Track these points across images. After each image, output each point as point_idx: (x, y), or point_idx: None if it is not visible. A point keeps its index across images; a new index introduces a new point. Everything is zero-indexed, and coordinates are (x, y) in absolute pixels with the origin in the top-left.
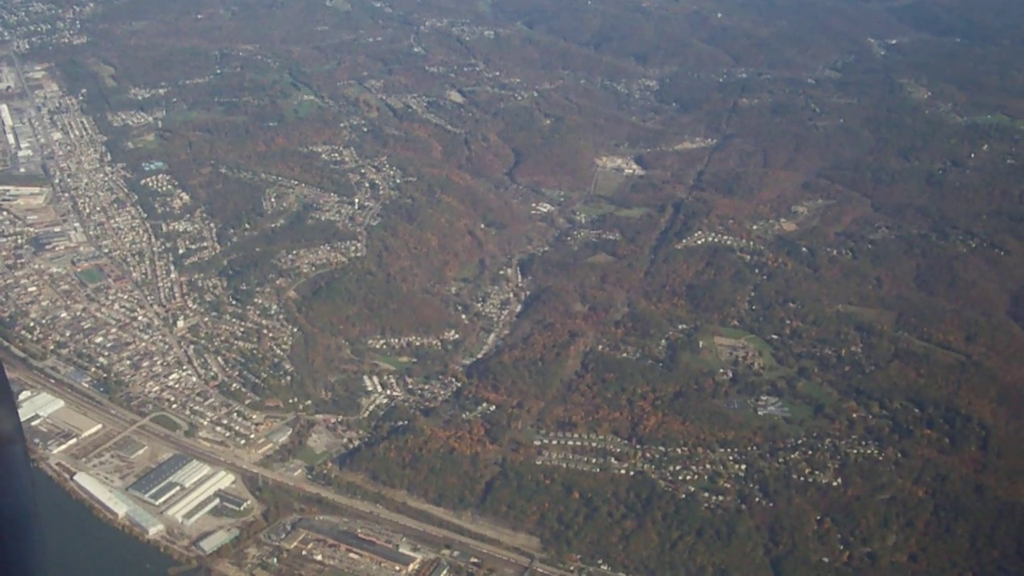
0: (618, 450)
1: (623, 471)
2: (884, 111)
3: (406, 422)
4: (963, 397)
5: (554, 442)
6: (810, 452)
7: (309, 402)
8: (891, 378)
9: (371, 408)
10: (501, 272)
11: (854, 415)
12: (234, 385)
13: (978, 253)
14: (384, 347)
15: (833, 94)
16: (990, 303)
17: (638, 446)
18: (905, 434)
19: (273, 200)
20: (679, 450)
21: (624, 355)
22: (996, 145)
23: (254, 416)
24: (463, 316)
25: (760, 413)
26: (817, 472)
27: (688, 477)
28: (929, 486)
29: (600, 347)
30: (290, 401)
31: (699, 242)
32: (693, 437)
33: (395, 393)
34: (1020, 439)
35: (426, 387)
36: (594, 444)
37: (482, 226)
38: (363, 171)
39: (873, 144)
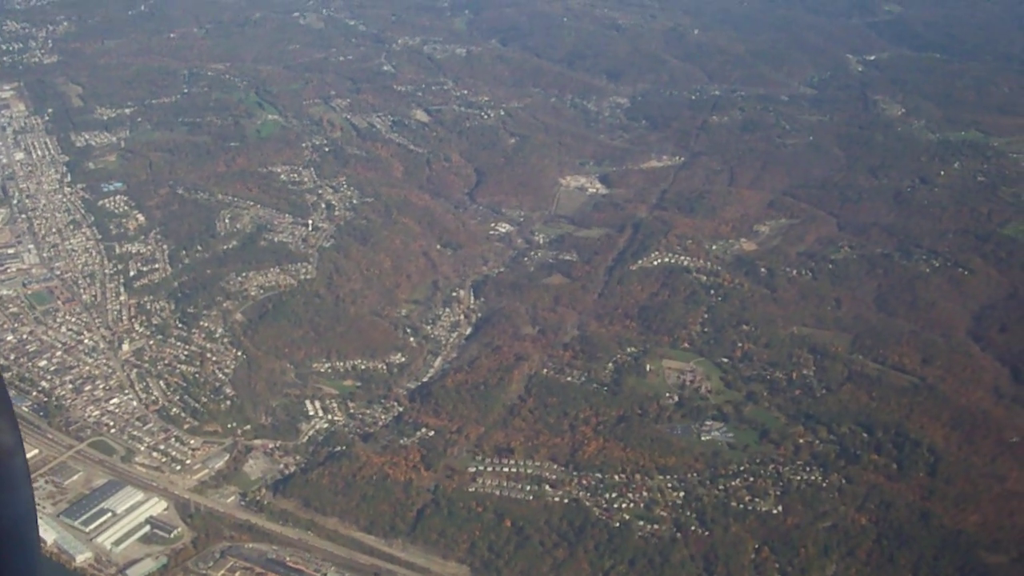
0: (554, 477)
1: (557, 499)
2: (856, 128)
3: (344, 447)
4: (915, 421)
5: (489, 469)
6: (752, 479)
7: (248, 427)
8: (842, 402)
9: (310, 433)
10: (454, 294)
11: (800, 440)
12: (174, 410)
13: (941, 273)
14: (329, 371)
15: (805, 111)
16: (951, 324)
17: (575, 473)
18: (852, 459)
19: (227, 221)
20: (617, 477)
21: (569, 379)
22: (967, 162)
23: (192, 441)
24: (411, 339)
25: (704, 438)
26: (757, 499)
27: (624, 505)
28: (873, 513)
29: (545, 371)
30: (229, 426)
31: (655, 263)
32: (632, 463)
33: (336, 418)
34: (970, 464)
35: (368, 412)
36: (530, 471)
37: (438, 247)
38: (320, 192)
39: (843, 162)
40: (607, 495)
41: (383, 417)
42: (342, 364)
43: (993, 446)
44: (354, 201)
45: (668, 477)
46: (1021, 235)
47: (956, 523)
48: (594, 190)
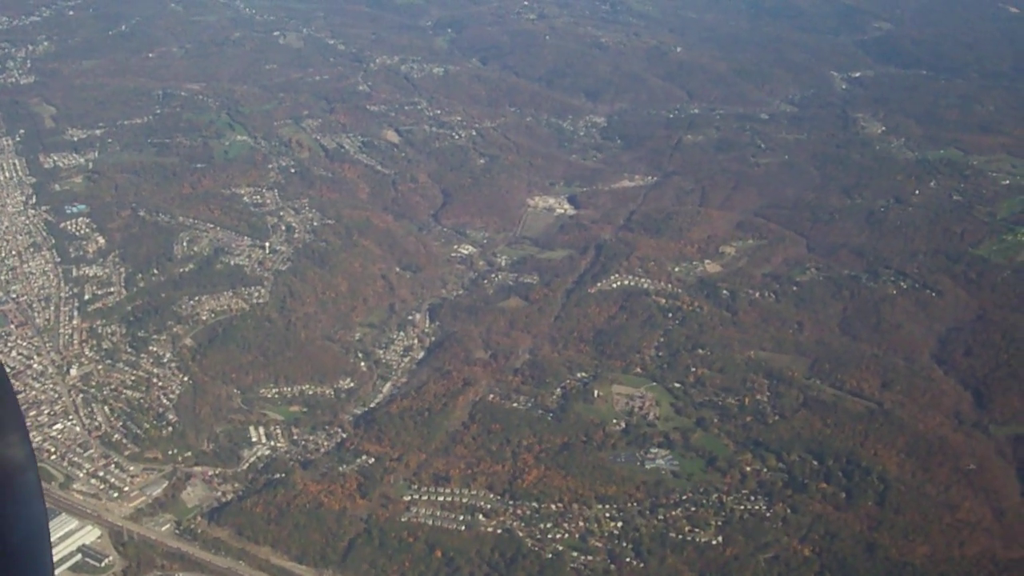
0: (489, 506)
1: (490, 529)
2: (833, 147)
3: (283, 475)
4: (868, 448)
5: (425, 497)
6: (693, 508)
7: (189, 453)
8: (794, 429)
9: (252, 460)
10: (409, 317)
11: (748, 468)
12: (116, 436)
13: (909, 295)
14: (276, 396)
15: (783, 130)
16: (915, 347)
17: (511, 502)
18: (799, 488)
19: (185, 244)
20: (553, 506)
21: (515, 405)
22: (944, 181)
23: (131, 468)
24: (362, 364)
25: (647, 467)
26: (698, 530)
27: (558, 535)
28: (817, 544)
29: (491, 397)
30: (170, 452)
31: (614, 285)
32: (571, 492)
33: (279, 444)
34: (922, 493)
35: (311, 438)
36: (465, 500)
37: (397, 270)
38: (282, 214)
39: (817, 181)
40: (542, 525)
41: (326, 444)
42: (290, 389)
43: (948, 474)
44: (315, 223)
45: (607, 507)
46: (993, 255)
47: (903, 554)
48: (562, 211)
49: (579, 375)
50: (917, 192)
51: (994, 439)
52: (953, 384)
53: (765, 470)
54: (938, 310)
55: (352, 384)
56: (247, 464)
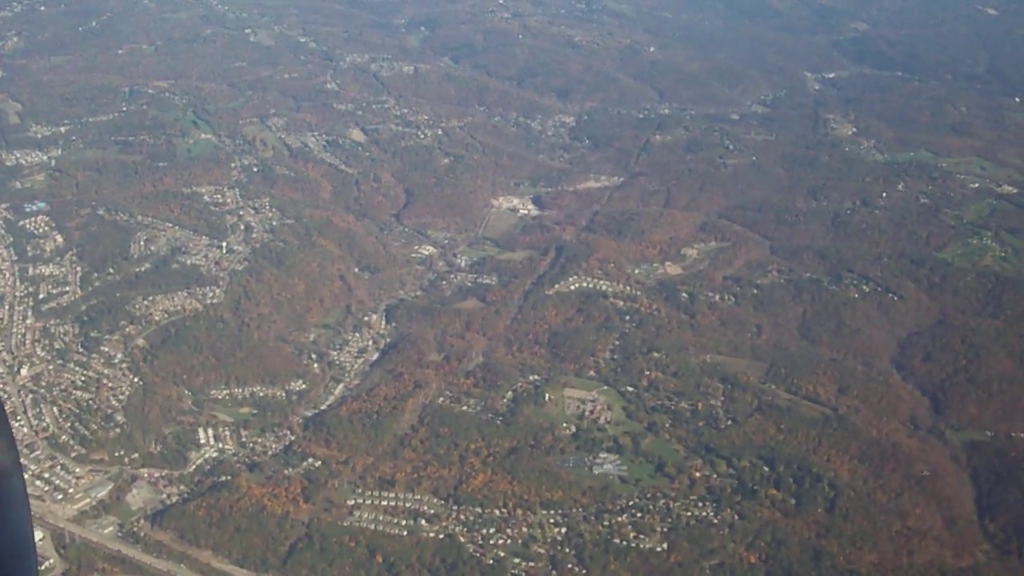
0: (432, 511)
1: (432, 534)
2: (802, 148)
3: (229, 478)
4: (821, 454)
5: (368, 502)
6: (639, 514)
7: (136, 455)
8: (746, 434)
9: (199, 462)
10: (366, 318)
11: (697, 474)
12: (63, 437)
13: (870, 299)
14: (227, 398)
15: (752, 130)
16: (874, 352)
17: (454, 507)
18: (749, 495)
19: (142, 243)
20: (498, 511)
21: (464, 408)
22: (912, 183)
23: (77, 470)
24: (315, 365)
25: (595, 472)
26: (643, 536)
27: (501, 541)
28: (763, 551)
29: (441, 400)
30: (116, 454)
31: (572, 287)
32: (516, 498)
33: (227, 446)
34: (873, 500)
35: (259, 440)
36: (409, 504)
37: (355, 270)
38: (241, 213)
39: (785, 183)
40: (484, 531)
41: (274, 446)
42: (241, 391)
43: (901, 480)
44: (274, 223)
45: (551, 512)
46: (957, 259)
47: (850, 562)
48: (526, 211)
49: (531, 378)
50: (884, 195)
51: (950, 445)
52: (911, 389)
53: (715, 476)
54: (899, 314)
55: (304, 386)
56: (194, 466)
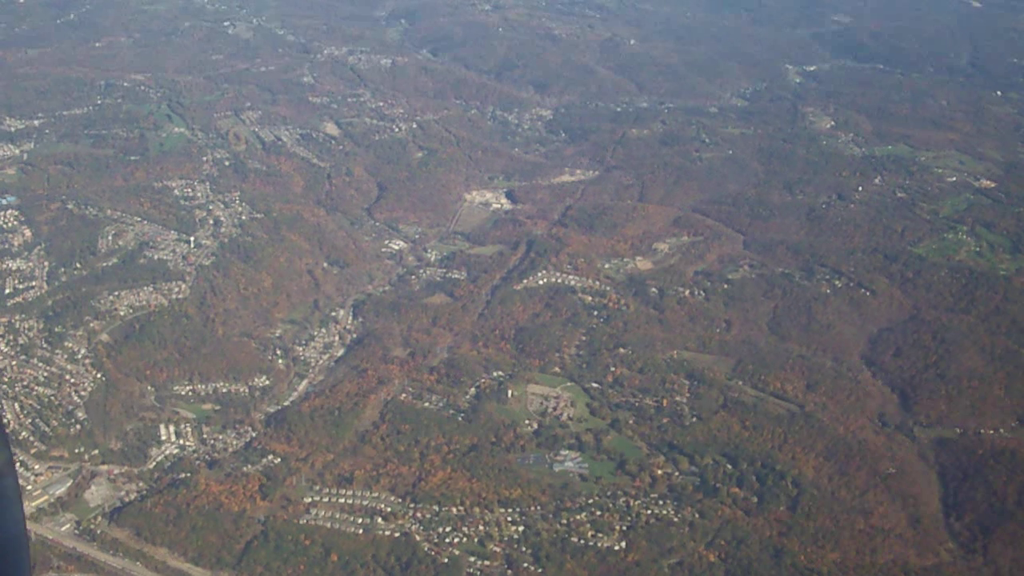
0: (389, 509)
1: (388, 532)
2: (779, 141)
3: (188, 474)
4: (786, 452)
5: (325, 499)
6: (598, 512)
7: (96, 452)
8: (711, 431)
9: (159, 459)
10: (333, 314)
11: (659, 472)
12: (24, 433)
13: (842, 294)
14: (190, 394)
15: (730, 124)
16: (844, 348)
17: (412, 505)
18: (710, 493)
19: (110, 238)
20: (455, 509)
21: (427, 404)
22: (890, 177)
23: (36, 466)
24: (280, 361)
25: (555, 469)
26: (601, 534)
27: (457, 539)
28: (723, 550)
29: (403, 396)
30: (76, 451)
31: (541, 282)
32: (474, 495)
33: (188, 443)
34: (836, 498)
35: (220, 437)
36: (366, 502)
37: (324, 265)
38: (211, 207)
39: (760, 176)
40: (441, 529)
41: (235, 443)
42: (204, 387)
43: (866, 478)
44: (243, 217)
45: (509, 510)
46: (932, 254)
47: (811, 561)
48: (498, 205)
49: (495, 374)
50: (860, 189)
51: (918, 442)
52: (880, 386)
53: (677, 474)
54: (871, 310)
55: (267, 382)
56: (154, 463)
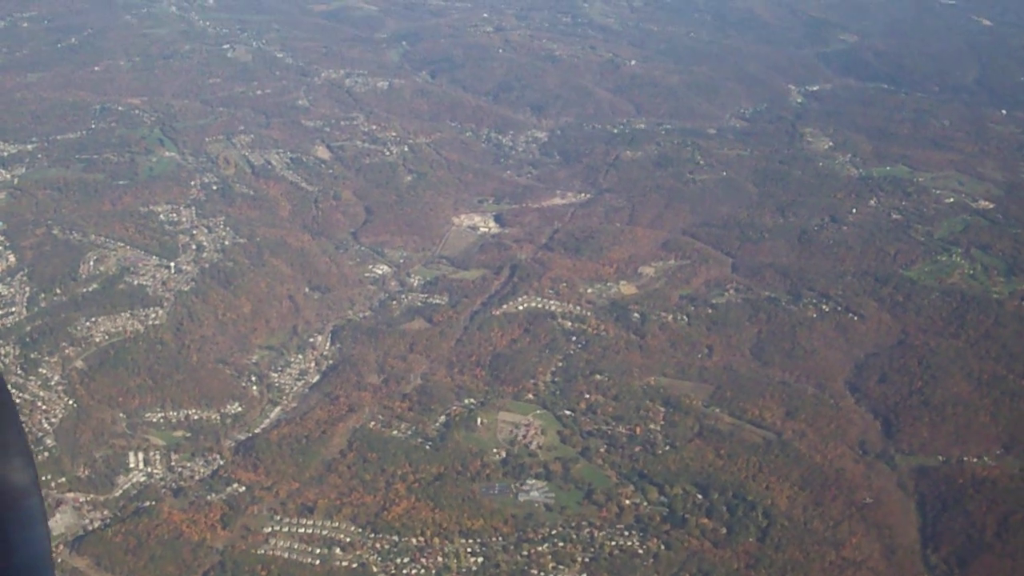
0: (348, 539)
1: (346, 563)
2: (776, 163)
3: (152, 503)
4: (760, 481)
5: (286, 529)
6: (561, 544)
7: (64, 479)
8: (684, 460)
9: (126, 487)
10: (311, 339)
11: (627, 502)
12: None
13: (829, 318)
14: (161, 420)
15: (726, 145)
16: (828, 374)
17: (372, 535)
18: (678, 523)
19: (92, 264)
20: (415, 540)
21: (395, 433)
22: (886, 199)
23: None
24: (254, 387)
25: (520, 499)
26: (562, 567)
27: (414, 571)
28: None
29: (372, 424)
30: (44, 478)
31: (521, 307)
32: (435, 526)
33: (155, 471)
34: (808, 529)
35: (189, 464)
36: (326, 532)
37: (306, 290)
38: (195, 232)
39: (754, 198)
40: (399, 560)
41: (202, 471)
42: (176, 414)
43: (842, 508)
44: (226, 242)
45: (470, 541)
46: (924, 277)
47: None
48: (486, 229)
49: (467, 401)
50: (854, 210)
51: (898, 471)
52: (863, 413)
53: (645, 504)
54: (858, 334)
55: (240, 408)
56: (120, 491)
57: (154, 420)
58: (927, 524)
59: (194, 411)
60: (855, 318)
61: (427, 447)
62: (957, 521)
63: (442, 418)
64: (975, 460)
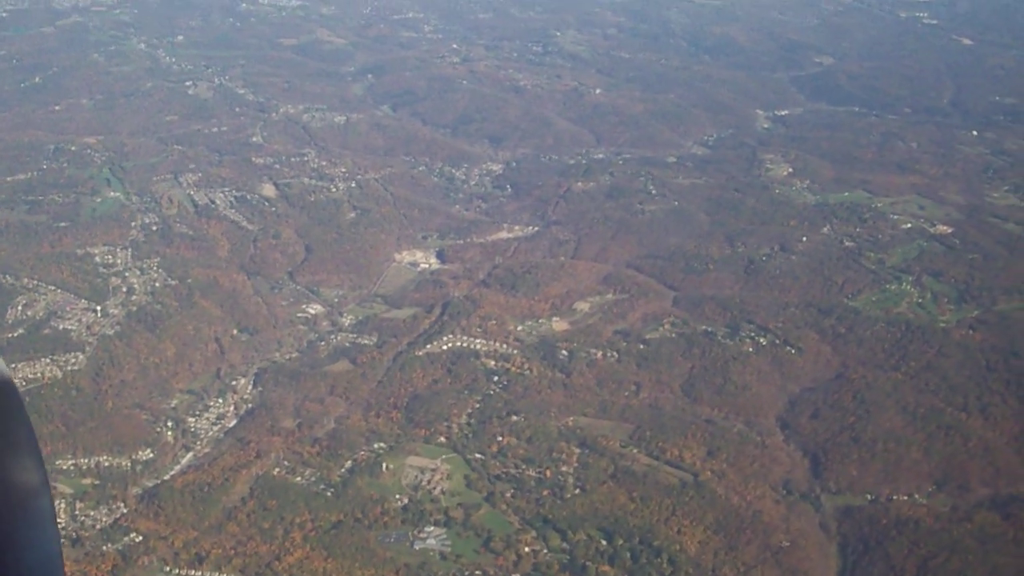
0: None
1: None
2: (730, 191)
3: None
4: (672, 525)
5: None
6: None
7: None
8: (593, 504)
9: None
10: (233, 383)
11: (526, 549)
12: None
13: (765, 352)
14: (72, 468)
15: (682, 174)
16: (759, 410)
17: None
18: (578, 572)
19: (20, 308)
20: None
21: (298, 479)
22: (840, 226)
23: None
24: (169, 433)
25: (416, 547)
26: None
27: None
28: None
29: (276, 470)
30: None
31: (445, 347)
32: None
33: (59, 520)
34: (715, 575)
35: (92, 513)
36: None
37: (234, 332)
38: (127, 274)
39: (705, 228)
40: None
41: (105, 519)
42: (86, 461)
43: (756, 552)
44: (157, 284)
45: None
46: (869, 307)
47: None
48: (427, 265)
49: (376, 445)
50: (804, 239)
51: (822, 511)
52: (791, 450)
53: (545, 551)
54: (795, 368)
55: (152, 455)
56: None
57: (64, 467)
58: (846, 567)
59: (105, 458)
60: (793, 351)
61: (328, 494)
62: (878, 565)
63: (348, 463)
64: (905, 498)
